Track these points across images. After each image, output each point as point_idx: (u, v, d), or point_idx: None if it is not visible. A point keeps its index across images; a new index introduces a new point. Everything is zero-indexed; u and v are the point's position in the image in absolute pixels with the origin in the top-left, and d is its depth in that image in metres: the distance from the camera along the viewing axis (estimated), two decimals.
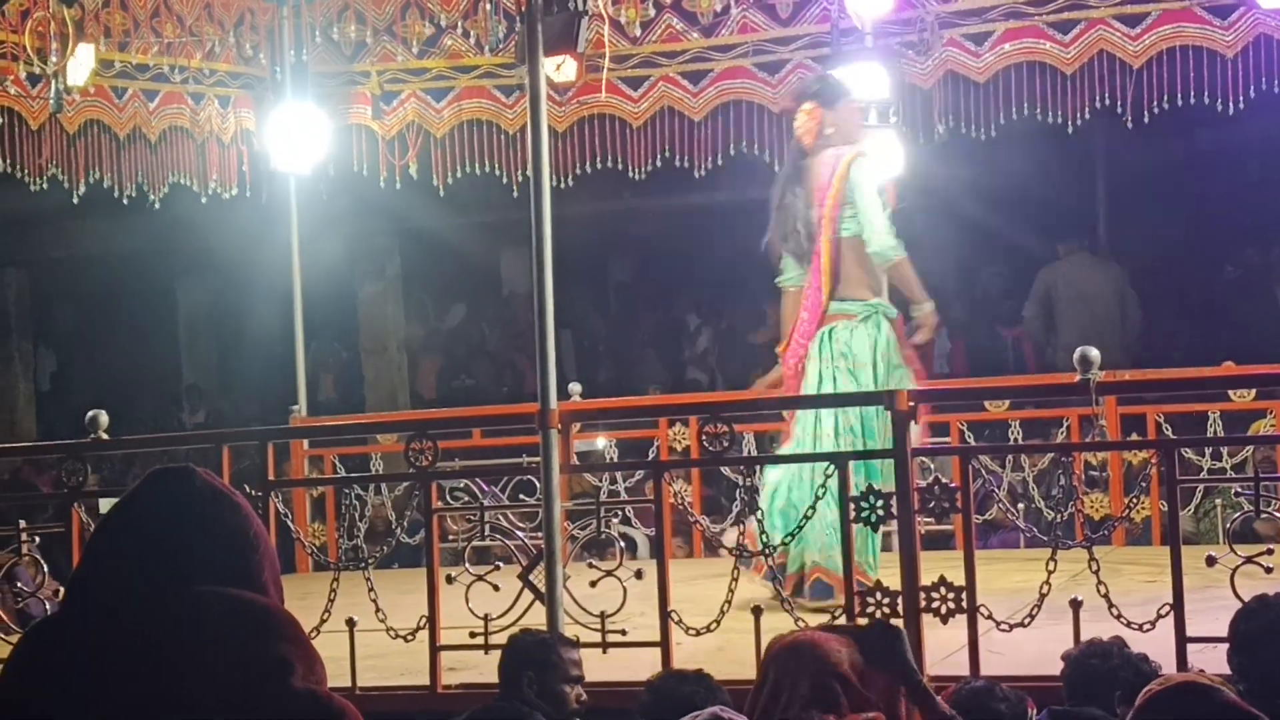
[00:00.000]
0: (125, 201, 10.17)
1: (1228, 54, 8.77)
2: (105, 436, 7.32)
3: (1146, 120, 9.02)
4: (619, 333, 16.55)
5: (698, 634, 6.37)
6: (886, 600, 6.11)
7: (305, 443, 10.39)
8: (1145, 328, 13.83)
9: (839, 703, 4.49)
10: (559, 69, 9.32)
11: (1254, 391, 9.28)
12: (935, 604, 6.08)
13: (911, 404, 6.27)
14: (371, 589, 6.73)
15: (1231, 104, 8.80)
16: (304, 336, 10.69)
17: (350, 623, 6.59)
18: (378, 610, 6.69)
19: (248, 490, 6.59)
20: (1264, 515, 6.28)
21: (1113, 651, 5.23)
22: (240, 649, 2.46)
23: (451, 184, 10.39)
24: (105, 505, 6.93)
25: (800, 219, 7.82)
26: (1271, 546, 6.65)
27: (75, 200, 9.88)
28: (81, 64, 8.74)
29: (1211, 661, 5.39)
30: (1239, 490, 6.53)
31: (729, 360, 15.50)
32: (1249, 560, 6.09)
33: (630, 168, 10.11)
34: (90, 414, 7.27)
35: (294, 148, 10.00)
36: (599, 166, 10.15)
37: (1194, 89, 8.82)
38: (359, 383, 16.22)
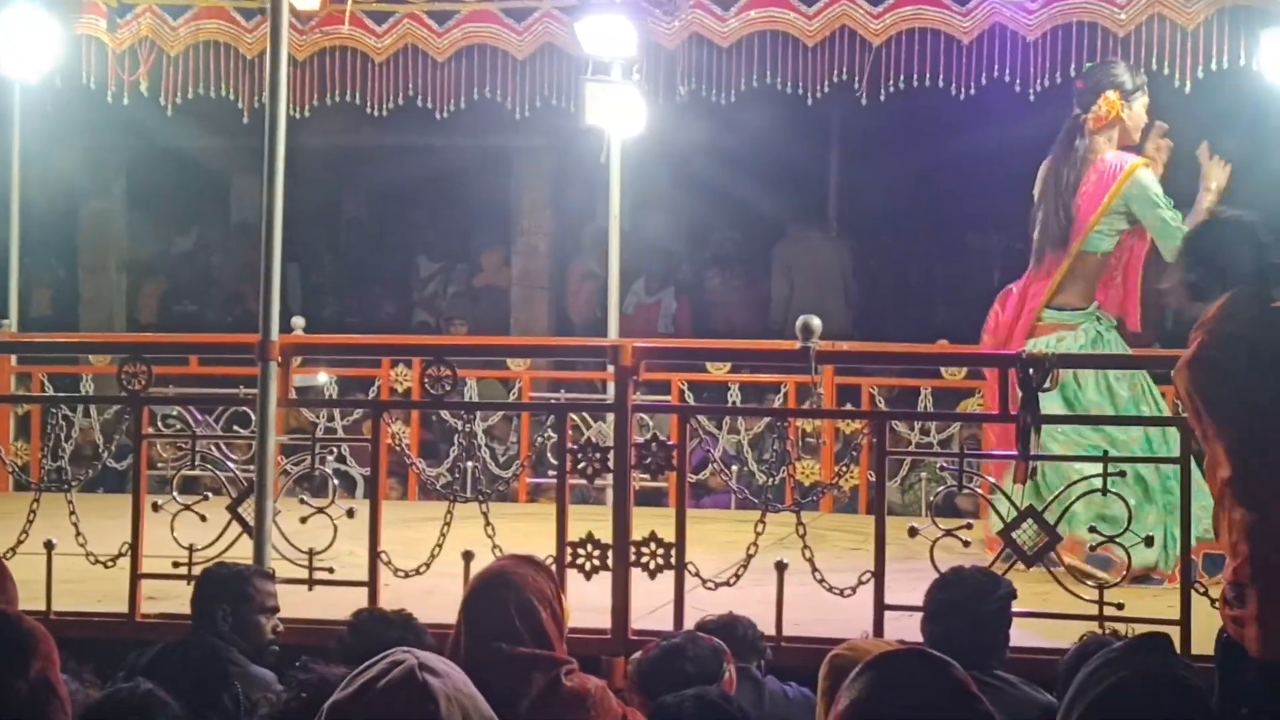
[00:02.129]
0: None
1: (964, 40, 8.97)
2: None
3: (883, 98, 9.18)
4: (348, 270, 16.35)
5: (406, 576, 6.34)
6: (597, 552, 6.15)
7: (13, 359, 10.09)
8: (864, 304, 14.15)
9: (542, 630, 4.47)
10: None
11: (964, 370, 9.55)
12: (645, 559, 6.14)
13: (636, 360, 6.31)
14: (73, 512, 6.57)
15: (964, 90, 9.01)
16: (19, 250, 10.35)
17: (49, 545, 6.42)
18: (78, 534, 6.53)
19: None
20: (965, 491, 6.45)
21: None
22: None
23: (184, 106, 10.13)
24: None
25: (1062, 210, 7.71)
26: (971, 521, 6.88)
27: None
28: None
29: (907, 630, 5.54)
30: (944, 465, 6.71)
31: (457, 304, 15.44)
32: (949, 533, 6.27)
33: (370, 104, 9.97)
34: None
35: (20, 54, 9.66)
36: (338, 100, 10.00)
37: (929, 71, 9.01)
38: (76, 302, 15.77)
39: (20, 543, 6.47)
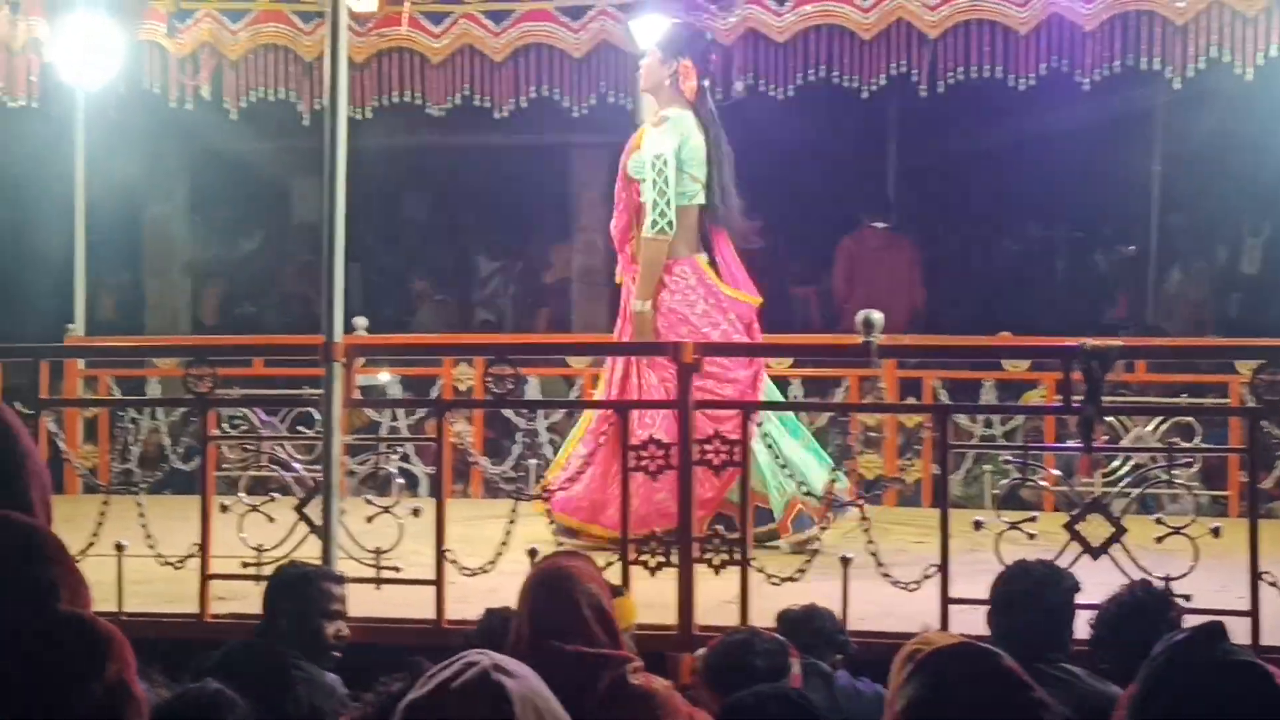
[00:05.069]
0: None
1: (1021, 31, 8.93)
2: None
3: (940, 90, 9.15)
4: (409, 270, 16.42)
5: (472, 574, 6.38)
6: (662, 550, 6.17)
7: (81, 363, 10.18)
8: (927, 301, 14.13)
9: (590, 631, 4.45)
10: None
11: (1028, 362, 9.52)
12: (709, 555, 6.15)
13: (696, 357, 6.32)
14: (142, 514, 6.63)
15: (1022, 81, 8.97)
16: (86, 255, 10.45)
17: (119, 547, 6.49)
18: (148, 536, 6.59)
19: (19, 409, 6.44)
20: (1029, 483, 6.43)
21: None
22: (4, 571, 2.41)
23: (245, 109, 10.20)
24: None
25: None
26: (1035, 513, 6.85)
27: None
28: None
29: (972, 623, 5.53)
30: (1007, 458, 6.70)
31: (519, 303, 15.49)
32: (1014, 526, 6.26)
33: (429, 104, 10.02)
34: None
35: (85, 61, 9.75)
36: (397, 101, 10.04)
37: (989, 64, 8.98)
38: (140, 305, 15.89)
39: (91, 545, 6.53)
